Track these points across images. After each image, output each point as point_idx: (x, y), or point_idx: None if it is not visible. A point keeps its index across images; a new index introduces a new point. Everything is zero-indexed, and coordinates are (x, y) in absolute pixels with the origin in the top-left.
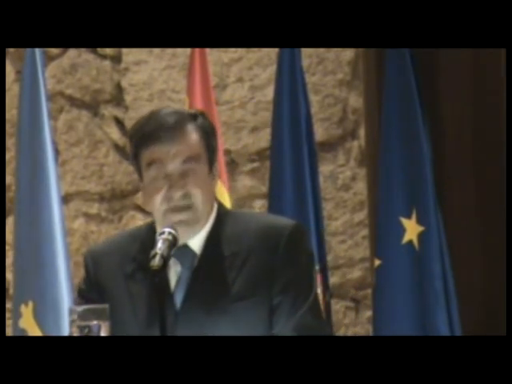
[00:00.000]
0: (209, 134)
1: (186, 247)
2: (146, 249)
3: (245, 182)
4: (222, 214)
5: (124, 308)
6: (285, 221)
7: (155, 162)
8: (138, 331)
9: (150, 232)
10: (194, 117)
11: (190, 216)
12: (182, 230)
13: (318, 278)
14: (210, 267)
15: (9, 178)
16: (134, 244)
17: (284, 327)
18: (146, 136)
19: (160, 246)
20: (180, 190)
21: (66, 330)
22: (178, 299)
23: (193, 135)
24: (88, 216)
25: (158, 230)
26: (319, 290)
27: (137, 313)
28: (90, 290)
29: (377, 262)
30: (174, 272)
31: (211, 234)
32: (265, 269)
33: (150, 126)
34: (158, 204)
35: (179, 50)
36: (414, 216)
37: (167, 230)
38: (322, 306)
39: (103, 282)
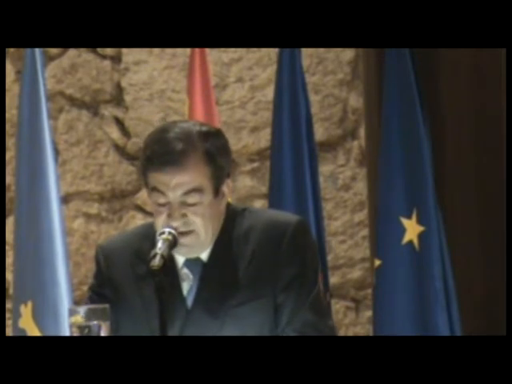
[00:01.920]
0: (217, 156)
1: (196, 258)
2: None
3: (245, 182)
4: (231, 217)
5: (135, 308)
6: (288, 217)
7: (156, 190)
8: (149, 333)
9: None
10: (205, 136)
11: (192, 239)
12: (184, 251)
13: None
14: (216, 276)
15: (9, 178)
16: (145, 242)
17: (286, 326)
18: (151, 160)
19: (160, 245)
20: (179, 219)
21: (65, 330)
22: (189, 305)
23: (199, 165)
24: (88, 216)
25: None
26: None
27: (148, 315)
28: (102, 286)
29: (377, 262)
30: (187, 280)
31: (218, 241)
32: (269, 268)
33: (157, 149)
34: (159, 227)
35: (179, 50)
36: (414, 216)
37: (167, 229)
38: None
39: (115, 279)
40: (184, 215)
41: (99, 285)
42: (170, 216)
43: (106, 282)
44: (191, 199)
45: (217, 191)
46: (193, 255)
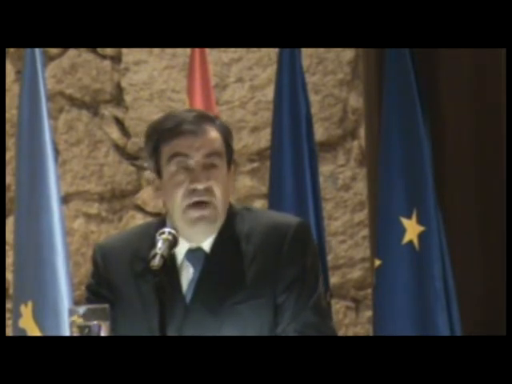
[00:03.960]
0: (227, 135)
1: (198, 249)
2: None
3: (245, 182)
4: (232, 213)
5: (134, 307)
6: (289, 219)
7: (178, 155)
8: (148, 332)
9: (160, 229)
10: (213, 119)
11: (212, 212)
12: (202, 226)
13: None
14: (217, 268)
15: (9, 178)
16: (144, 241)
17: (287, 326)
18: (168, 130)
19: (160, 245)
20: (203, 183)
21: (65, 330)
22: (188, 300)
23: (213, 132)
24: (88, 216)
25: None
26: None
27: (147, 314)
28: (100, 286)
29: (377, 262)
30: (187, 275)
31: (220, 234)
32: (270, 268)
33: (171, 121)
34: (179, 199)
35: (179, 50)
36: (414, 216)
37: (167, 229)
38: None
39: (113, 279)
40: (208, 179)
41: (97, 284)
42: (193, 181)
43: (103, 282)
44: (213, 161)
45: (229, 167)
46: (205, 235)
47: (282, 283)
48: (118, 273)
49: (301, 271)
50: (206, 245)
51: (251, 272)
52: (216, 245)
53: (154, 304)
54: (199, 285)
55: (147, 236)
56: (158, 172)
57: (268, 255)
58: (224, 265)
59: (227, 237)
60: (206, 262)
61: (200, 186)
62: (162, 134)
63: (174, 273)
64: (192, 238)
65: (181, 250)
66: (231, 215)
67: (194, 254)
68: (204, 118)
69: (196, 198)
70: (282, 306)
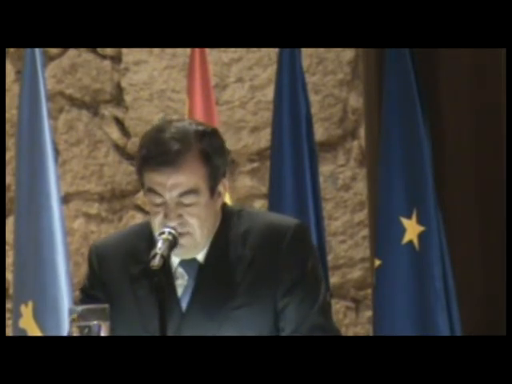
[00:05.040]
0: (213, 156)
1: (193, 260)
2: (151, 248)
3: (245, 182)
4: (227, 217)
5: (129, 311)
6: (287, 220)
7: (152, 191)
8: (144, 334)
9: None
10: (201, 136)
11: (188, 241)
12: (181, 252)
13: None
14: (213, 277)
15: (9, 178)
16: (140, 242)
17: (294, 333)
18: (147, 160)
19: (160, 245)
20: (175, 220)
21: (65, 330)
22: (184, 307)
23: (194, 165)
24: (88, 216)
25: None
26: None
27: (142, 317)
28: (94, 288)
29: (377, 262)
30: (181, 281)
31: (214, 242)
32: (269, 271)
33: (153, 150)
34: (156, 226)
35: (179, 50)
36: (414, 216)
37: (167, 229)
38: None
39: (108, 280)
40: (180, 216)
41: (91, 287)
42: (166, 216)
43: (98, 283)
44: (187, 200)
45: (213, 191)
46: (188, 256)
47: (283, 287)
48: (114, 274)
49: (301, 274)
50: (200, 255)
51: (249, 276)
52: (210, 254)
53: (151, 307)
54: (195, 294)
55: (143, 236)
56: (144, 192)
57: (266, 258)
58: (219, 272)
59: (222, 244)
60: (201, 272)
61: (171, 223)
62: (143, 161)
63: (168, 278)
64: (177, 256)
65: (174, 258)
66: (226, 219)
67: (187, 262)
68: (189, 144)
69: (169, 230)
70: (285, 310)
